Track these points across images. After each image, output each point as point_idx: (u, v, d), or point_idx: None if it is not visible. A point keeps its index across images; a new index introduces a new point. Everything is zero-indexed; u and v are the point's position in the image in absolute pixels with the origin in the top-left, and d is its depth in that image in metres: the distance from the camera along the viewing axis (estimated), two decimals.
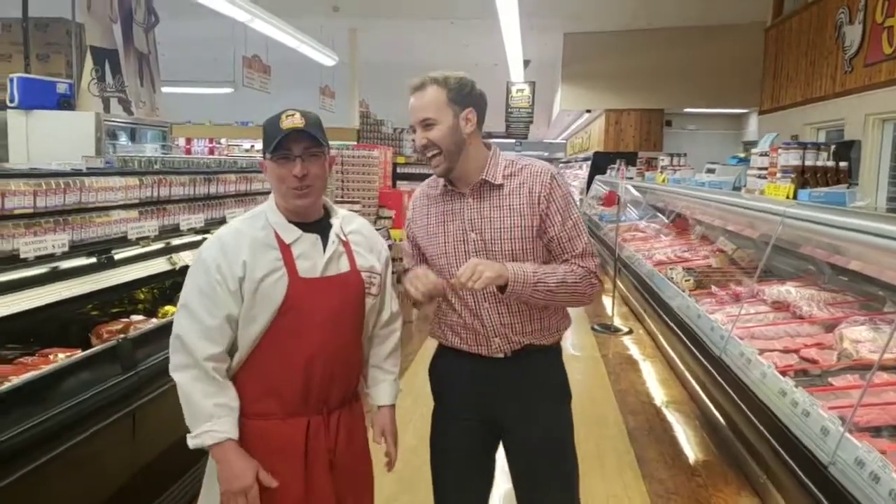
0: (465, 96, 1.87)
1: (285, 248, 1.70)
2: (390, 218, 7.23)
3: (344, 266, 1.77)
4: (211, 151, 13.31)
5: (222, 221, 4.32)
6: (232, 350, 1.72)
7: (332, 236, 1.77)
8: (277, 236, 1.71)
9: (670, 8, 10.06)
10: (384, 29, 11.59)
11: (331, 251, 1.74)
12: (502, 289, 1.78)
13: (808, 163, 3.70)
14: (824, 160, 3.70)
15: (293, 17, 8.98)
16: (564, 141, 23.73)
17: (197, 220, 4.01)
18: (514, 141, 26.25)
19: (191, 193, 4.04)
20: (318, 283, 1.71)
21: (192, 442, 1.68)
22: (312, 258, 1.72)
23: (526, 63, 12.29)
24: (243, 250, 1.67)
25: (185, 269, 3.55)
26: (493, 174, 1.89)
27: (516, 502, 2.02)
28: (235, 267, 1.66)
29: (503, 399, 1.93)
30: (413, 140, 2.02)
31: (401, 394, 2.00)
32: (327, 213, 1.82)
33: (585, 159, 15.11)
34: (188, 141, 13.54)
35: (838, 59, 6.94)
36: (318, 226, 1.77)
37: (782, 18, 8.59)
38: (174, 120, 6.52)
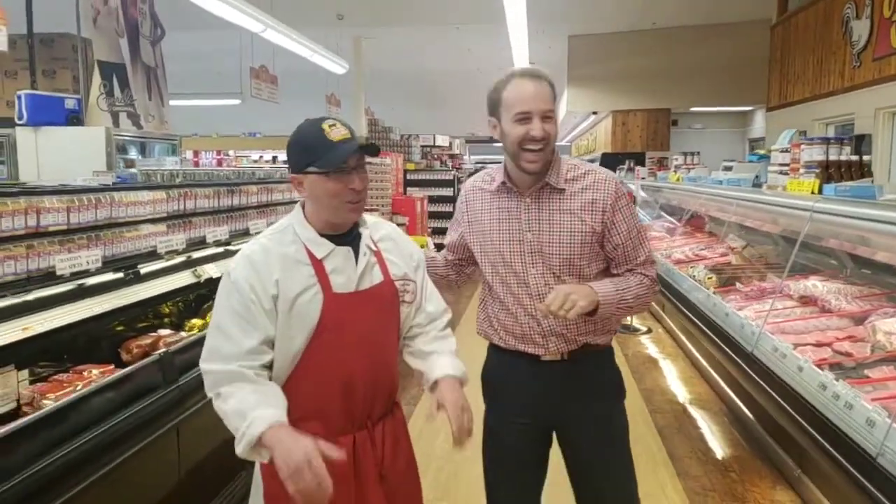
0: (556, 103, 1.90)
1: (317, 264, 1.63)
2: (404, 224, 7.26)
3: (377, 277, 1.71)
4: (219, 163, 13.37)
5: (246, 233, 4.35)
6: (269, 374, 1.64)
7: (362, 247, 1.70)
8: (308, 251, 1.64)
9: (675, 8, 10.09)
10: (388, 36, 11.64)
11: (363, 263, 1.68)
12: (591, 313, 1.77)
13: (832, 157, 3.71)
14: (847, 154, 3.71)
15: (299, 26, 9.02)
16: (569, 143, 23.75)
17: (222, 232, 4.03)
18: None
19: (215, 206, 4.06)
20: (353, 297, 1.65)
21: (240, 446, 1.49)
22: (346, 272, 1.66)
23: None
24: (275, 268, 1.60)
25: (210, 281, 3.58)
26: (555, 178, 1.88)
27: (576, 501, 2.03)
28: (268, 285, 1.59)
29: (562, 400, 1.93)
30: (494, 127, 1.90)
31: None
32: (355, 223, 1.75)
33: (592, 160, 15.13)
34: (196, 153, 13.61)
35: (846, 54, 6.96)
36: (348, 237, 1.71)
37: (788, 15, 8.61)
38: (181, 132, 6.54)
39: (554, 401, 1.93)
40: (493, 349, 2.03)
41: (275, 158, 14.38)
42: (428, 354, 1.79)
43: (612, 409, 2.00)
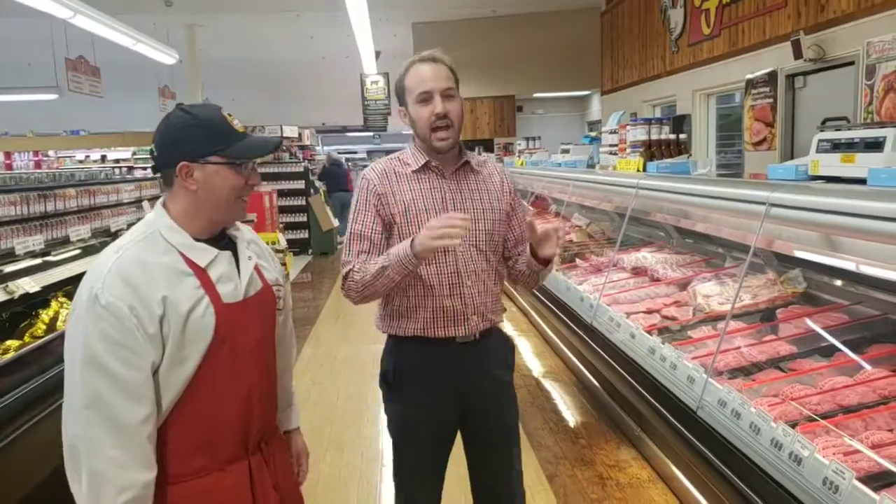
0: (458, 86, 1.96)
1: (201, 273, 1.43)
2: (252, 221, 6.98)
3: (257, 283, 1.55)
4: (37, 165, 12.18)
5: (66, 241, 3.99)
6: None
7: (242, 251, 1.55)
8: (187, 259, 1.43)
9: None
10: (224, 24, 11.11)
11: (248, 269, 1.53)
12: (545, 262, 1.93)
13: (654, 137, 4.00)
14: (666, 134, 4.01)
15: (120, 12, 8.36)
16: None
17: (35, 241, 3.65)
18: (372, 134, 26.22)
19: (23, 213, 3.68)
20: (243, 307, 1.49)
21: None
22: (233, 280, 1.49)
23: (377, 54, 12.28)
24: (159, 283, 1.37)
25: (26, 296, 3.25)
26: (473, 160, 2.01)
27: (473, 480, 2.11)
28: (153, 305, 1.35)
29: (474, 378, 1.99)
30: (405, 116, 1.98)
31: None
32: (224, 227, 1.57)
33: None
34: (7, 155, 12.29)
35: (666, 41, 7.53)
36: (221, 242, 1.53)
37: (615, 3, 9.17)
38: None
39: (467, 380, 1.99)
40: (401, 341, 2.00)
41: (103, 158, 13.31)
42: (285, 403, 1.76)
43: (510, 387, 2.11)
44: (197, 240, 1.47)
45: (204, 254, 1.46)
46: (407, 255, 1.75)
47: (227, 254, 1.51)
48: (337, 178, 13.37)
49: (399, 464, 2.06)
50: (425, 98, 1.88)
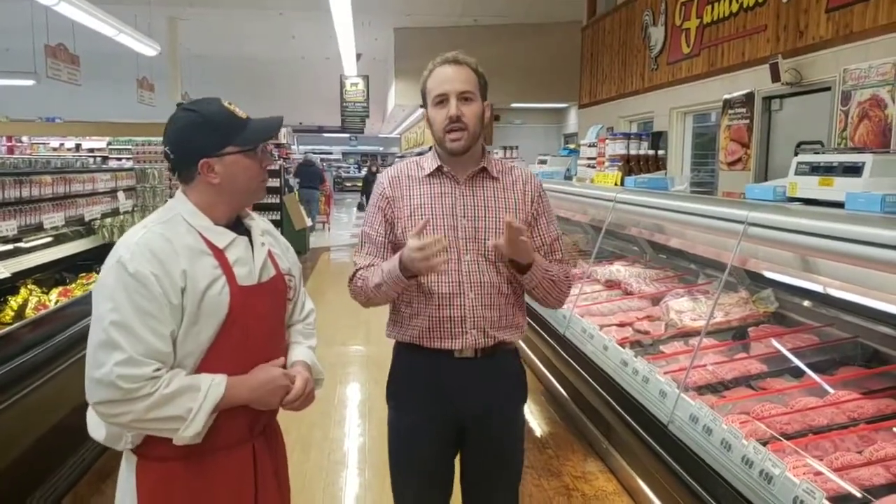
0: (485, 89, 1.90)
1: (219, 254, 1.50)
2: None
3: (271, 270, 1.62)
4: (10, 151, 11.90)
5: (39, 228, 3.90)
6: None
7: (256, 238, 1.61)
8: (207, 241, 1.50)
9: (495, 6, 10.48)
10: (206, 18, 11.02)
11: (262, 255, 1.59)
12: (523, 270, 1.82)
13: (633, 152, 4.04)
14: (645, 149, 4.06)
15: (104, 2, 8.25)
16: (399, 136, 23.97)
17: (8, 227, 3.57)
18: (349, 136, 26.14)
19: None
20: (256, 290, 1.55)
21: (201, 414, 1.41)
22: (248, 264, 1.55)
23: (358, 56, 12.25)
24: (181, 257, 1.44)
25: (5, 280, 3.17)
26: (490, 166, 1.91)
27: (466, 499, 2.02)
28: (176, 277, 1.43)
29: (473, 398, 1.89)
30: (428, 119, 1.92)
31: None
32: (238, 216, 1.63)
33: (420, 153, 15.34)
34: None
35: (645, 58, 7.62)
36: (238, 229, 1.60)
37: (596, 18, 9.27)
38: None
39: (466, 401, 1.89)
40: (404, 349, 1.95)
41: (78, 146, 13.07)
42: (292, 343, 1.75)
43: (517, 410, 2.00)
44: (218, 224, 1.54)
45: (223, 236, 1.53)
46: (397, 275, 1.74)
47: (244, 239, 1.58)
48: (309, 176, 14.45)
49: (392, 473, 2.00)
50: (442, 100, 1.84)
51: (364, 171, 22.73)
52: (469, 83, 1.84)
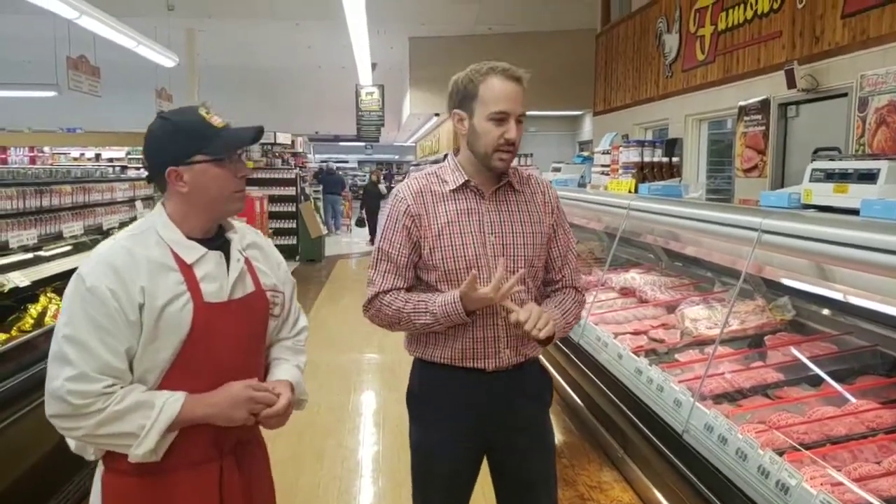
0: None
1: (186, 269, 1.47)
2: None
3: (249, 286, 1.57)
4: (32, 161, 12.12)
5: (59, 237, 3.97)
6: None
7: (234, 253, 1.56)
8: (175, 255, 1.47)
9: (510, 15, 10.50)
10: (224, 29, 11.14)
11: (236, 270, 1.54)
12: (544, 341, 1.74)
13: (647, 159, 4.03)
14: (659, 156, 4.04)
15: (124, 15, 8.39)
16: (414, 144, 24.05)
17: (29, 236, 3.64)
18: (364, 144, 26.27)
19: (19, 207, 3.67)
20: (226, 307, 1.51)
21: (152, 434, 1.38)
22: (218, 279, 1.51)
23: (374, 66, 12.33)
24: (140, 274, 1.42)
25: (15, 290, 3.22)
26: (514, 179, 1.86)
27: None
28: (134, 293, 1.41)
29: (505, 412, 1.86)
30: (461, 121, 1.82)
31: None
32: (221, 228, 1.60)
33: (435, 162, 15.41)
34: (3, 150, 12.25)
35: (660, 65, 7.59)
36: (216, 242, 1.56)
37: (610, 26, 9.26)
38: None
39: (496, 413, 1.85)
40: (429, 366, 1.89)
41: (98, 156, 13.27)
42: (277, 360, 1.69)
43: (546, 421, 1.97)
44: (190, 238, 1.51)
45: (192, 251, 1.50)
46: (458, 314, 1.70)
47: (217, 254, 1.53)
48: (331, 184, 15.94)
49: (416, 487, 1.96)
50: (501, 118, 1.74)
51: (366, 181, 18.15)
52: (524, 104, 1.78)
